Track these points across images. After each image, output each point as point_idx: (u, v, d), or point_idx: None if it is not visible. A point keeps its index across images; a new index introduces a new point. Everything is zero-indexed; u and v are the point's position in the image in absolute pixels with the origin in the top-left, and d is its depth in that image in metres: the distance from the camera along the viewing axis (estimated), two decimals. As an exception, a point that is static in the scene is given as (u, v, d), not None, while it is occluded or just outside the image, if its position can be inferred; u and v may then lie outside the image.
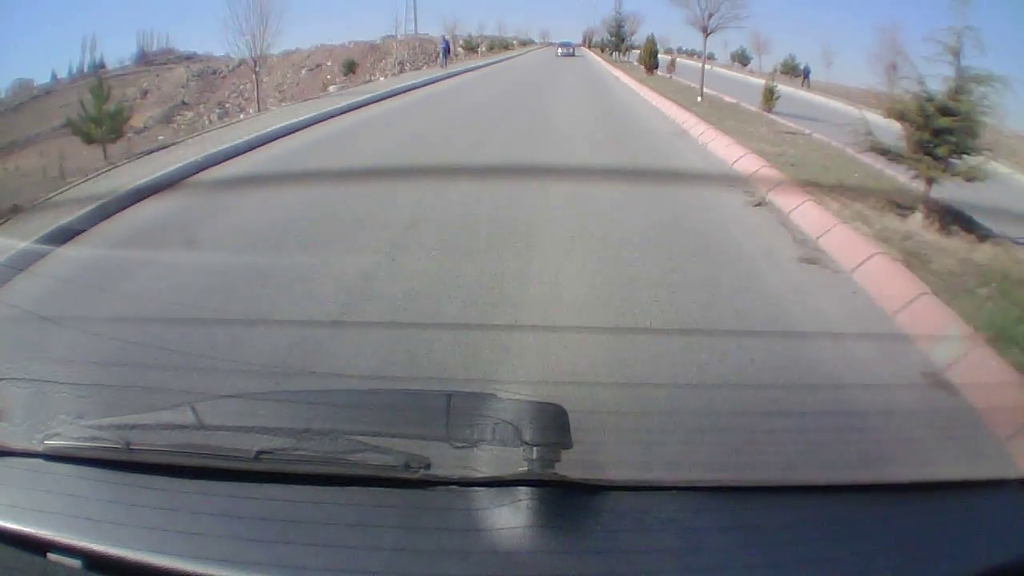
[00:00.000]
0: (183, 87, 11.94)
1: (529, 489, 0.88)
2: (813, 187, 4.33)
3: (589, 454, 0.97)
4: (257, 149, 6.59)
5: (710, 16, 8.28)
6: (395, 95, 10.53)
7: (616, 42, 13.88)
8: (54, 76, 11.16)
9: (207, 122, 10.23)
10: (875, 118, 4.28)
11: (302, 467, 0.93)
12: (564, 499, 0.88)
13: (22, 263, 3.54)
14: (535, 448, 0.91)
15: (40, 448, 0.99)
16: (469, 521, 0.84)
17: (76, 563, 0.81)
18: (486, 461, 0.92)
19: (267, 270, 3.18)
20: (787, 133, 7.03)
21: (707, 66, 10.91)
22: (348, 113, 8.85)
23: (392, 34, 14.63)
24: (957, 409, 2.01)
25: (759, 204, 4.35)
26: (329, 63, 14.06)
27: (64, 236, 3.96)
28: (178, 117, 11.01)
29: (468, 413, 0.97)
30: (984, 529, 0.88)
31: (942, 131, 3.83)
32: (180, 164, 5.74)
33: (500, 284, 2.93)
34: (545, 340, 2.46)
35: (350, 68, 13.71)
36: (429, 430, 0.95)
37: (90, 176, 5.76)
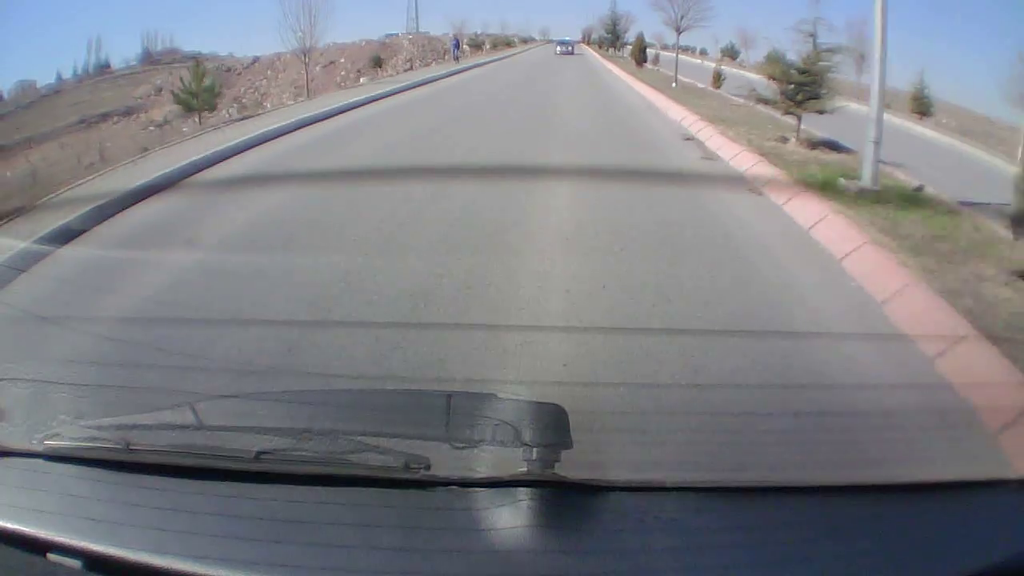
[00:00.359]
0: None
1: (529, 489, 0.88)
2: (727, 129, 6.86)
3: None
4: (336, 116, 8.83)
5: (682, 17, 10.55)
6: (424, 84, 12.57)
7: (612, 39, 15.38)
8: (59, 76, 11.64)
9: (227, 115, 11.02)
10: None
11: (302, 467, 0.93)
12: (564, 499, 0.88)
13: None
14: (535, 448, 0.91)
15: (40, 448, 0.99)
16: (469, 521, 0.84)
17: (76, 563, 0.81)
18: (486, 461, 0.92)
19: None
20: (733, 104, 9.06)
21: (697, 60, 13.28)
22: (391, 96, 10.92)
23: (394, 32, 15.87)
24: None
25: (688, 139, 7.09)
26: (342, 60, 14.87)
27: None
28: (199, 117, 11.48)
29: (468, 413, 0.97)
30: (983, 529, 0.88)
31: (800, 84, 6.19)
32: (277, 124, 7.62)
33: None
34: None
35: (377, 63, 14.97)
36: (429, 430, 0.95)
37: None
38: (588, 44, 17.67)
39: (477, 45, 16.79)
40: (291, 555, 0.80)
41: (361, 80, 13.83)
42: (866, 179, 4.30)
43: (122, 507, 0.90)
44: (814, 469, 1.08)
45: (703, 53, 13.84)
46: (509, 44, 17.48)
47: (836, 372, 2.20)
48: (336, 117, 8.71)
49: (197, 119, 8.93)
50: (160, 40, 13.29)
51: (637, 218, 4.00)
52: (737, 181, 5.13)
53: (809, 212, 4.01)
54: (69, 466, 0.97)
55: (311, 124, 8.03)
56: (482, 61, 16.08)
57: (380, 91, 11.03)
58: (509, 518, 0.84)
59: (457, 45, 15.75)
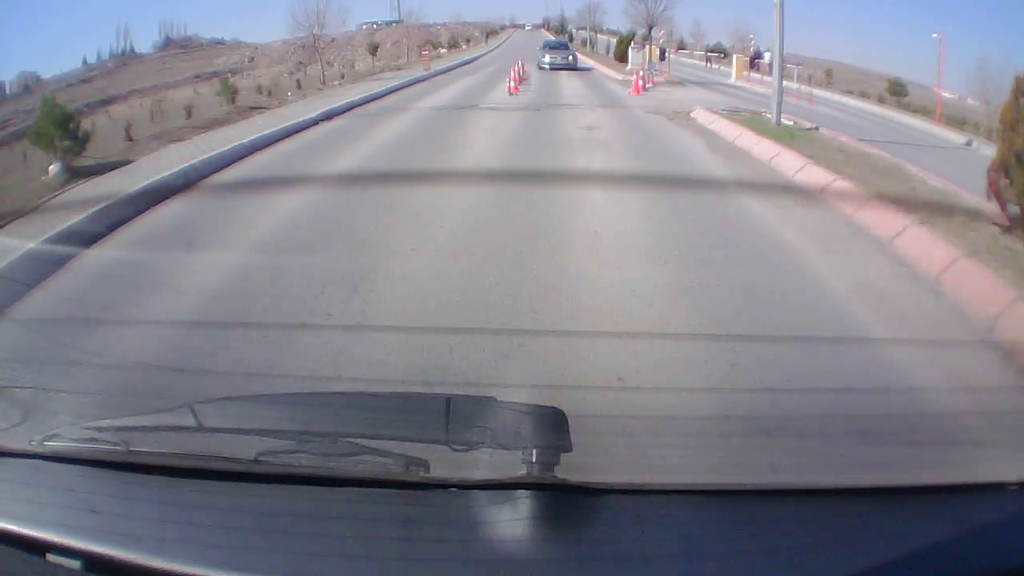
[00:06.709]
0: (292, 54, 16.96)
1: (528, 492, 0.88)
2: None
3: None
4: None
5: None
6: (491, 51, 20.27)
7: (560, 28, 21.77)
8: (84, 61, 14.00)
9: (338, 68, 16.59)
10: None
11: (301, 470, 0.93)
12: (563, 502, 0.88)
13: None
14: (534, 451, 0.91)
15: (40, 449, 0.99)
16: (468, 524, 0.84)
17: (75, 564, 0.81)
18: (485, 464, 0.92)
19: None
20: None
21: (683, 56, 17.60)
22: (490, 52, 19.34)
23: (373, 21, 20.88)
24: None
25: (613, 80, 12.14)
26: (404, 40, 20.35)
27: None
28: (305, 73, 15.29)
29: (467, 416, 0.97)
30: (982, 533, 0.88)
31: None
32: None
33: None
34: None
35: (435, 45, 21.50)
36: (428, 433, 0.95)
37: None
38: (548, 31, 22.07)
39: (489, 32, 24.79)
40: (290, 557, 0.80)
41: (462, 47, 21.48)
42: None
43: (121, 508, 0.90)
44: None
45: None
46: (496, 33, 24.81)
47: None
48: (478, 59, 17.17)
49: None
50: (175, 29, 16.11)
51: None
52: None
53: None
54: (69, 467, 0.97)
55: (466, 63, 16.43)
56: (497, 43, 23.37)
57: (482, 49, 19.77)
58: (508, 520, 0.84)
59: (487, 35, 24.49)
